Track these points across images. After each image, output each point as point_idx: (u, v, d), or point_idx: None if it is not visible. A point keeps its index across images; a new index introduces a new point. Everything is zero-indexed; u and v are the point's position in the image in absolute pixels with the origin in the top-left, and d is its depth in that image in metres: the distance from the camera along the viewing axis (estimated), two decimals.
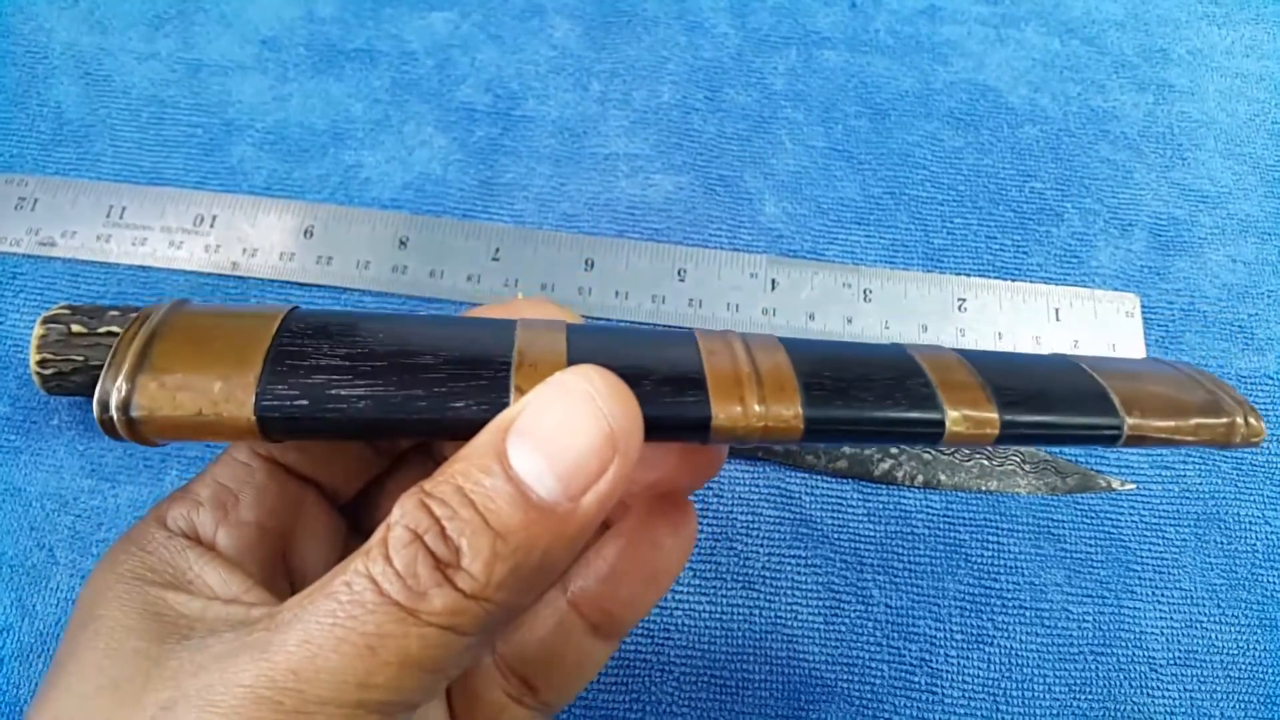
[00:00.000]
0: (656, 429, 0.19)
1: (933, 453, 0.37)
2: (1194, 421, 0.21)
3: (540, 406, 0.18)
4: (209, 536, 0.21)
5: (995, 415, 0.20)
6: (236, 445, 0.23)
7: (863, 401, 0.20)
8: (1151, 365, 0.23)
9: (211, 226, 0.40)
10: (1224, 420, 0.21)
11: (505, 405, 0.19)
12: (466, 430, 0.19)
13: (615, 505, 0.20)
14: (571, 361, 0.19)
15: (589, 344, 0.20)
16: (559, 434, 0.18)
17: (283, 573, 0.23)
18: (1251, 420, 0.21)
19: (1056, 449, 0.38)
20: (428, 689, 0.18)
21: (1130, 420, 0.20)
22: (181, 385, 0.19)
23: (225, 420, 0.18)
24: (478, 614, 0.18)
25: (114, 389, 0.18)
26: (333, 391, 0.19)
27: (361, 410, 0.19)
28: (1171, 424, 0.21)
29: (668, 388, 0.19)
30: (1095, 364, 0.22)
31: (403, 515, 0.18)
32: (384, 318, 0.20)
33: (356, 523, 0.25)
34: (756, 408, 0.20)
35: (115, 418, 0.18)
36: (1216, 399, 0.21)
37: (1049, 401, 0.21)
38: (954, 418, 0.20)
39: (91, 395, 0.35)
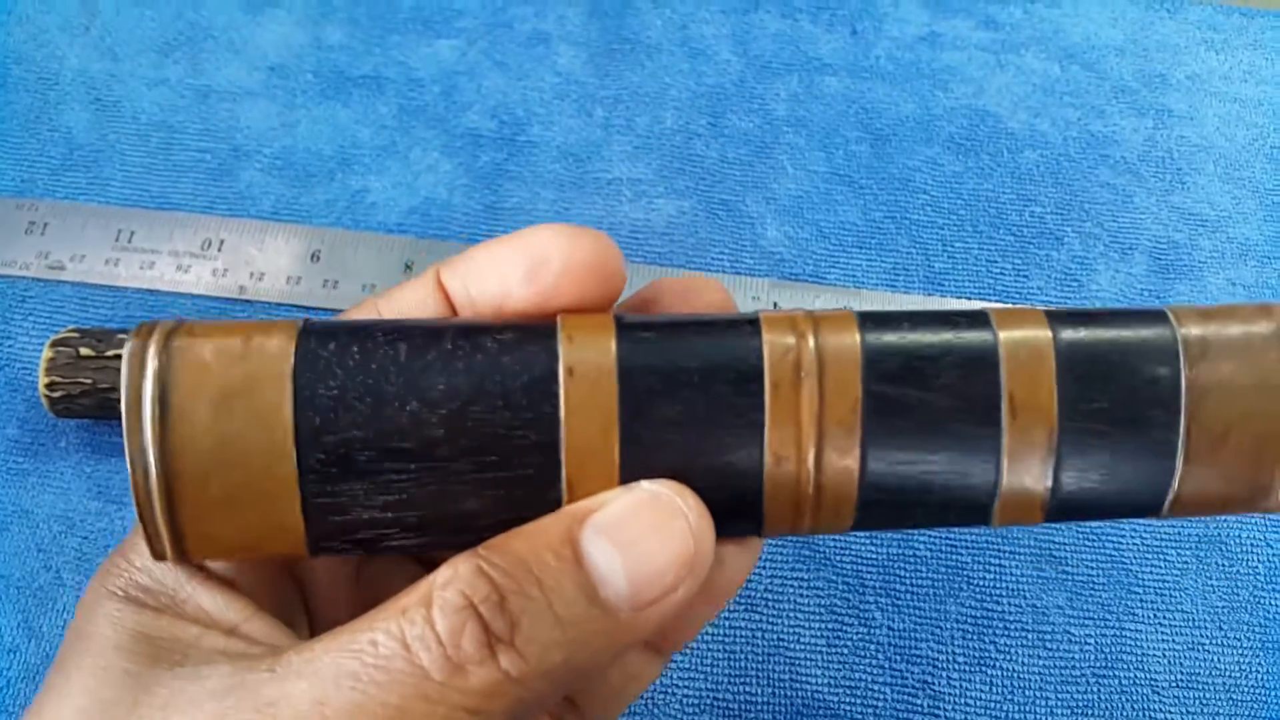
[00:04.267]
0: None
1: None
2: (1233, 507, 0.20)
3: (628, 508, 0.18)
4: None
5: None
6: None
7: (914, 519, 0.20)
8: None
9: (219, 250, 0.40)
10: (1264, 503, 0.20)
11: None
12: None
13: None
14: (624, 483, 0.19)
15: (643, 466, 0.18)
16: (644, 540, 0.17)
17: (288, 582, 0.22)
18: None
19: None
20: None
21: (1166, 506, 0.20)
22: (233, 547, 0.18)
23: (288, 559, 0.19)
24: (510, 701, 0.16)
25: (167, 553, 0.18)
26: (385, 544, 0.18)
27: (415, 552, 0.19)
28: (1212, 508, 0.20)
29: (720, 516, 0.19)
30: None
31: (456, 578, 0.17)
32: (404, 428, 0.18)
33: None
34: (808, 523, 0.19)
35: (175, 564, 0.18)
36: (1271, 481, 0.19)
37: (1100, 506, 0.20)
38: (998, 522, 0.20)
39: (100, 417, 0.36)
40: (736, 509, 0.19)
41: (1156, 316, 0.20)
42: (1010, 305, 0.20)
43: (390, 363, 0.18)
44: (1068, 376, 0.19)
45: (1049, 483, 0.19)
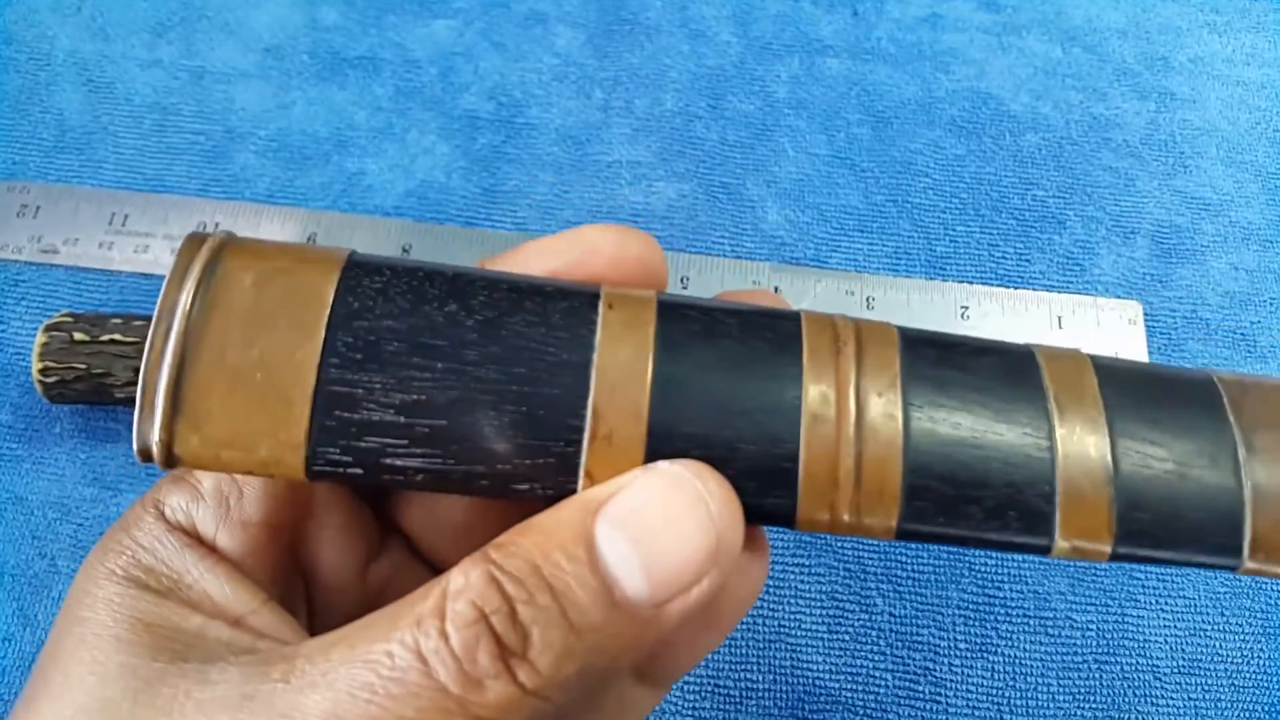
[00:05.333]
0: None
1: None
2: None
3: (644, 497, 0.17)
4: (210, 535, 0.19)
5: (1108, 549, 0.18)
6: None
7: (968, 519, 0.18)
8: None
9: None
10: None
11: (573, 490, 0.17)
12: (531, 504, 0.18)
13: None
14: (652, 429, 0.18)
15: (674, 405, 0.18)
16: (662, 533, 0.16)
17: (293, 568, 0.21)
18: None
19: None
20: None
21: (1251, 565, 0.18)
22: (224, 441, 0.17)
23: (275, 475, 0.18)
24: (528, 712, 0.16)
25: (153, 438, 0.17)
26: (388, 461, 0.17)
27: (419, 483, 0.18)
28: None
29: (753, 483, 0.18)
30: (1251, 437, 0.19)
31: (467, 588, 0.16)
32: (438, 325, 0.18)
33: (377, 508, 0.23)
34: (846, 517, 0.18)
35: (158, 461, 0.17)
36: None
37: (1173, 537, 0.18)
38: (1062, 548, 0.18)
39: (94, 403, 0.35)
40: (769, 474, 0.18)
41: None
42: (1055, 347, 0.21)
43: (436, 274, 0.19)
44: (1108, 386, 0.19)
45: (1109, 459, 0.18)
